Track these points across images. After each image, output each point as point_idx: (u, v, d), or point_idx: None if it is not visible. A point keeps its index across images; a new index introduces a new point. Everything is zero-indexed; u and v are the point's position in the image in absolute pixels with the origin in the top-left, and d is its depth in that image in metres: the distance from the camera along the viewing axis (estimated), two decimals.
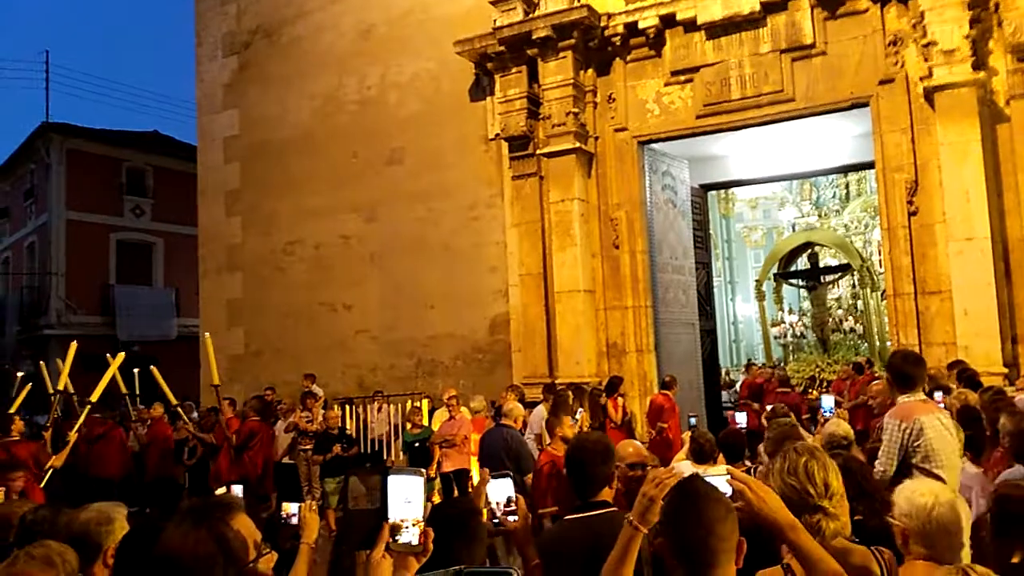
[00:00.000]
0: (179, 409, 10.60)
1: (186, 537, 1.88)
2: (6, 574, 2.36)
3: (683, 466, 5.35)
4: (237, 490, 3.54)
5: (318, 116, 13.70)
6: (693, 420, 8.68)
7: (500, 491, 2.53)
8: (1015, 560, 2.94)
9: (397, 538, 1.89)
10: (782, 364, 15.60)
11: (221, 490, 3.48)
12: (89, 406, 8.34)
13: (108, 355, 9.26)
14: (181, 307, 24.39)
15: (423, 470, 2.03)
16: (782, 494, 2.42)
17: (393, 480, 1.92)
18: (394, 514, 1.91)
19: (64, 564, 2.42)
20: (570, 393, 8.96)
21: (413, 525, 1.90)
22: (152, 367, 10.01)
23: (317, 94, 13.71)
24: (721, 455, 5.26)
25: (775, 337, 17.30)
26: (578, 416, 8.02)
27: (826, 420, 5.43)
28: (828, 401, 5.76)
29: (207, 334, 9.05)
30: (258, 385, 13.09)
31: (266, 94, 14.31)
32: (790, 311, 17.67)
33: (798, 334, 17.31)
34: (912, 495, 2.62)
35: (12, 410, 7.98)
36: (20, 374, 12.20)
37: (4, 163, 27.27)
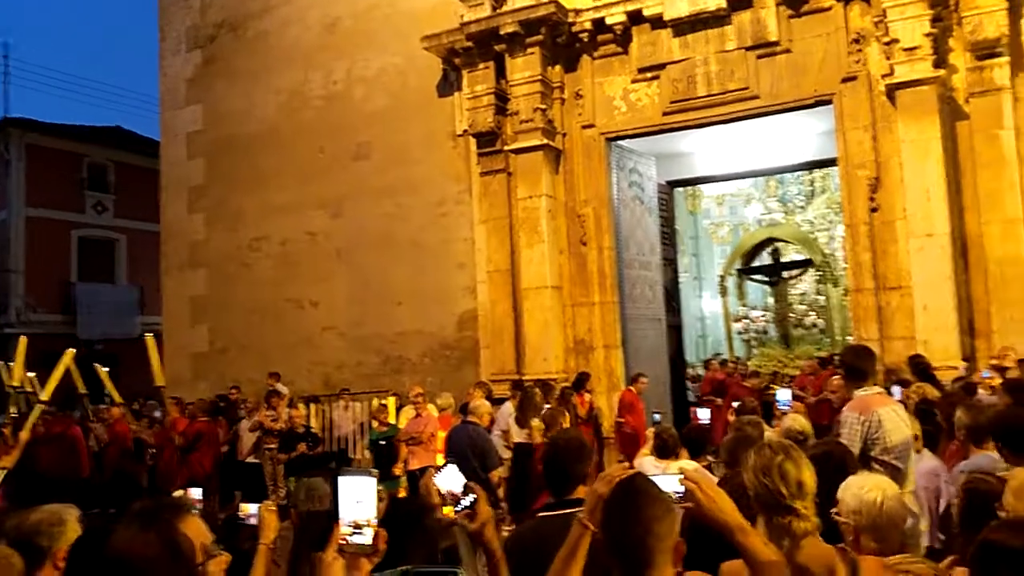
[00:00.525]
0: (124, 407, 10.44)
1: (134, 540, 1.85)
2: None
3: (646, 461, 5.38)
4: (195, 491, 3.48)
5: (284, 111, 13.55)
6: (658, 416, 8.76)
7: (450, 480, 2.50)
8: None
9: (349, 539, 1.86)
10: (743, 360, 15.70)
11: (178, 492, 3.41)
12: (42, 405, 8.17)
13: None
14: (145, 305, 23.98)
15: (374, 470, 2.00)
16: (755, 493, 2.45)
17: (344, 481, 1.89)
18: (345, 515, 1.88)
19: (7, 568, 2.36)
20: (538, 390, 8.96)
21: (365, 526, 1.87)
22: (96, 365, 9.84)
23: (283, 89, 13.56)
24: (684, 451, 5.31)
25: (738, 332, 17.36)
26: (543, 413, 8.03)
27: (783, 414, 5.48)
28: (784, 395, 5.81)
29: (149, 335, 8.94)
30: (223, 383, 12.94)
31: (231, 89, 14.12)
32: (753, 307, 17.77)
33: (760, 329, 17.35)
34: (859, 491, 2.63)
35: None
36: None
37: None
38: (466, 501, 2.33)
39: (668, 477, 2.13)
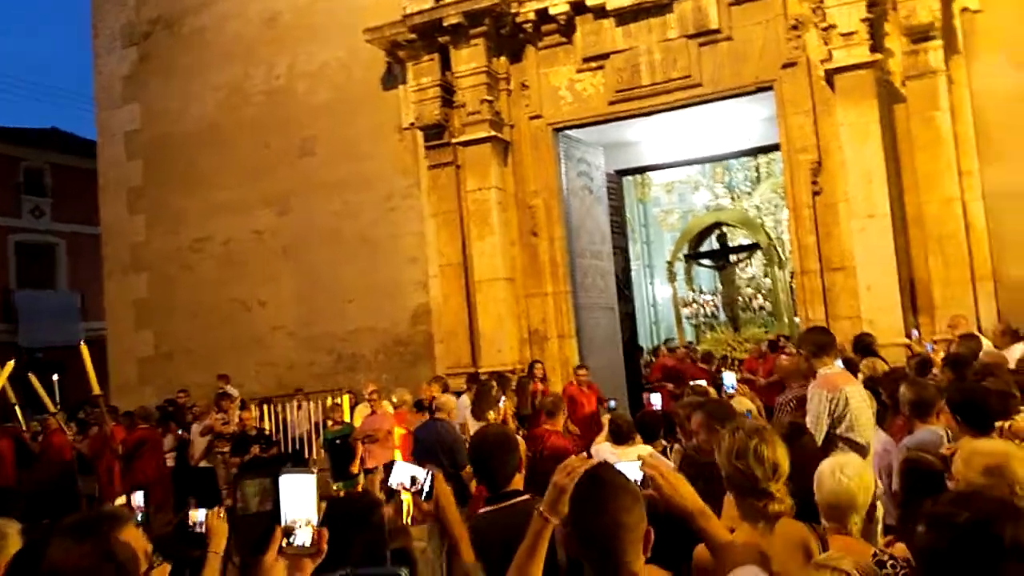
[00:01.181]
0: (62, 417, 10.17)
1: (69, 552, 1.81)
2: None
3: (603, 448, 5.41)
4: (138, 497, 3.38)
5: (224, 108, 13.25)
6: (613, 403, 8.79)
7: (402, 473, 2.46)
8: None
9: (290, 540, 1.82)
10: (693, 345, 15.80)
11: (120, 500, 3.31)
12: None
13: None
14: (87, 311, 23.35)
15: (314, 469, 1.95)
16: (728, 476, 2.44)
17: (285, 480, 1.84)
18: (286, 515, 1.83)
19: None
20: (494, 383, 8.93)
21: (306, 526, 1.82)
22: (30, 374, 9.55)
23: (222, 85, 13.25)
24: (639, 436, 5.34)
25: (686, 317, 17.45)
26: (501, 405, 8.01)
27: (730, 397, 5.54)
28: (730, 378, 5.86)
29: (83, 343, 8.65)
30: (171, 388, 12.64)
31: (168, 86, 13.76)
32: (701, 291, 17.92)
33: (709, 314, 17.49)
34: (821, 472, 2.66)
35: None
36: None
37: None
38: (423, 481, 2.30)
39: (628, 464, 2.14)
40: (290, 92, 12.70)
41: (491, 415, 8.78)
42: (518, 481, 2.90)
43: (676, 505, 2.08)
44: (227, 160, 13.10)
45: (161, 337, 13.64)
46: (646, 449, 4.96)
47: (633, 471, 2.12)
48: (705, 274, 18.33)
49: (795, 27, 9.59)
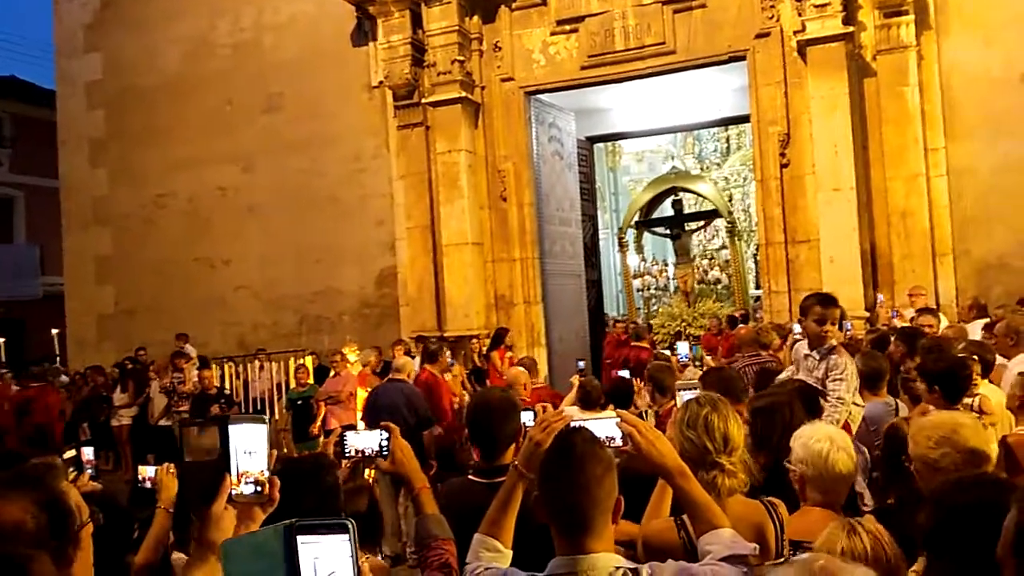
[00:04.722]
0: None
1: (5, 504, 1.77)
2: None
3: (571, 411, 5.38)
4: (87, 452, 3.33)
5: (188, 60, 12.91)
6: (581, 364, 8.79)
7: (370, 440, 2.42)
8: (890, 501, 3.06)
9: (240, 489, 1.79)
10: (644, 317, 14.98)
11: (69, 453, 3.25)
12: None
13: None
14: (46, 265, 22.83)
15: (265, 417, 1.92)
16: (681, 448, 2.38)
17: (234, 429, 1.80)
18: (236, 465, 1.80)
19: None
20: (443, 345, 8.89)
21: (258, 475, 1.80)
22: None
23: (186, 37, 12.89)
24: (611, 405, 5.29)
25: (637, 290, 16.55)
26: (452, 369, 8.01)
27: (683, 367, 5.50)
28: (683, 348, 5.79)
29: None
30: (130, 345, 12.48)
31: (131, 36, 13.35)
32: (654, 261, 17.18)
33: (661, 286, 16.69)
34: (808, 441, 2.58)
35: None
36: None
37: None
38: (380, 439, 2.27)
39: (605, 421, 2.08)
40: (256, 45, 12.40)
41: (447, 376, 8.81)
42: (512, 452, 2.76)
43: (654, 463, 2.04)
44: (191, 114, 12.79)
45: (122, 294, 13.41)
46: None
47: (610, 428, 2.06)
48: (660, 245, 17.71)
49: None
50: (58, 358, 14.63)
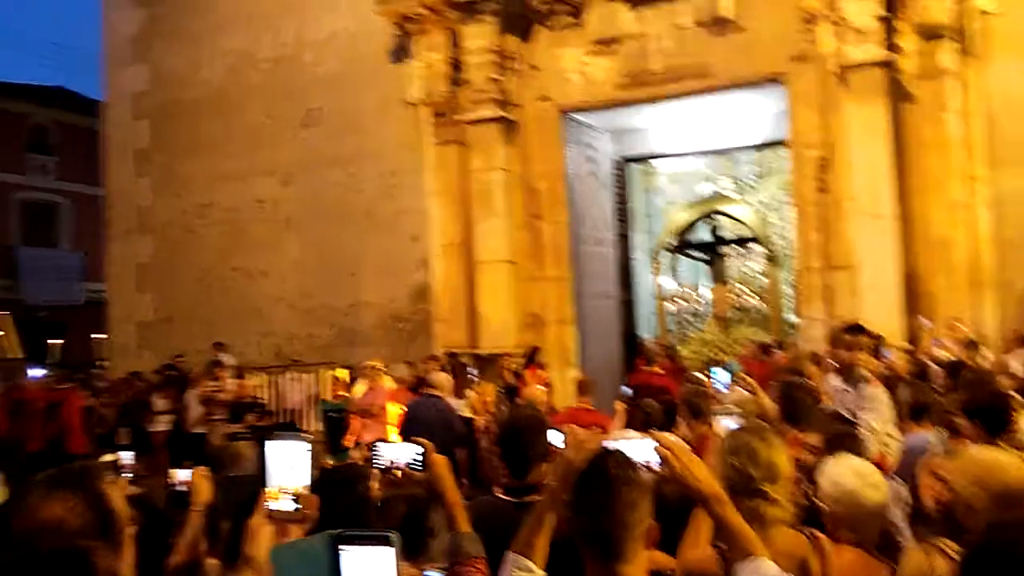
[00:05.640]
0: None
1: (54, 503, 1.82)
2: None
3: (629, 434, 5.24)
4: (126, 457, 3.41)
5: (232, 74, 13.18)
6: (627, 390, 8.73)
7: (403, 453, 2.45)
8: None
9: (278, 505, 1.84)
10: (676, 341, 14.10)
11: (108, 457, 3.34)
12: None
13: None
14: (90, 271, 23.38)
15: (307, 435, 1.96)
16: (723, 475, 2.32)
17: (272, 446, 1.85)
18: (275, 480, 1.84)
19: None
20: (471, 361, 8.92)
21: (296, 492, 1.84)
22: None
23: (230, 50, 13.16)
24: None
25: (670, 313, 15.89)
26: (476, 384, 8.03)
27: (720, 393, 5.37)
28: (723, 375, 5.62)
29: (7, 313, 8.98)
30: (169, 352, 12.68)
31: (177, 49, 13.67)
32: (688, 285, 16.28)
33: (695, 311, 15.95)
34: (835, 476, 2.51)
35: None
36: None
37: None
38: (414, 452, 2.29)
39: (642, 444, 2.06)
40: (297, 61, 12.63)
41: (471, 394, 8.84)
42: (544, 470, 2.74)
43: (690, 488, 1.97)
44: (233, 126, 13.05)
45: (162, 302, 13.66)
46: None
47: (646, 451, 2.03)
48: (694, 268, 17.38)
49: (808, 21, 9.50)
50: (102, 363, 14.97)
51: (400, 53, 11.75)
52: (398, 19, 11.17)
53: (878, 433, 4.02)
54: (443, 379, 7.63)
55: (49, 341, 15.70)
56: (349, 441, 9.21)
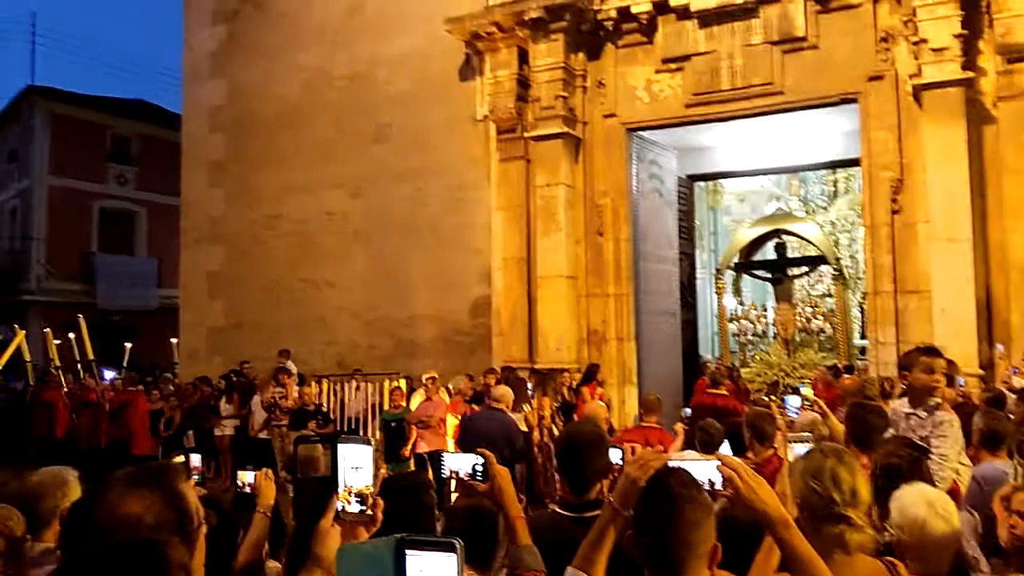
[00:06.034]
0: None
1: (132, 500, 1.86)
2: None
3: (686, 456, 5.17)
4: (195, 459, 3.50)
5: (306, 89, 13.54)
6: (688, 411, 8.63)
7: (463, 463, 2.47)
8: None
9: (347, 507, 1.87)
10: (736, 367, 13.58)
11: (178, 459, 3.43)
12: None
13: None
14: (163, 278, 24.18)
15: (371, 438, 2.00)
16: (803, 498, 2.27)
17: (343, 449, 1.89)
18: (344, 483, 1.88)
19: (2, 528, 2.38)
20: (528, 376, 8.92)
21: (363, 494, 1.88)
22: (18, 329, 10.70)
23: (305, 67, 13.54)
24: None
25: (733, 334, 15.66)
26: (533, 399, 8.02)
27: (794, 422, 5.26)
28: (794, 400, 5.49)
29: (79, 316, 9.34)
30: (237, 358, 13.02)
31: (253, 65, 14.13)
32: (752, 306, 16.18)
33: (758, 332, 15.66)
34: (905, 506, 2.45)
35: None
36: None
37: None
38: (475, 463, 2.30)
39: (706, 464, 2.03)
40: (370, 78, 12.91)
41: (527, 408, 8.84)
42: (603, 487, 2.74)
43: (755, 510, 1.92)
44: (305, 141, 13.39)
45: (232, 308, 14.05)
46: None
47: (710, 471, 1.99)
48: (759, 288, 16.86)
49: (884, 39, 9.32)
50: (174, 366, 15.50)
51: (468, 71, 11.92)
52: (468, 38, 11.34)
53: (951, 461, 3.88)
54: (505, 392, 7.62)
55: (125, 344, 16.22)
56: (407, 451, 9.31)
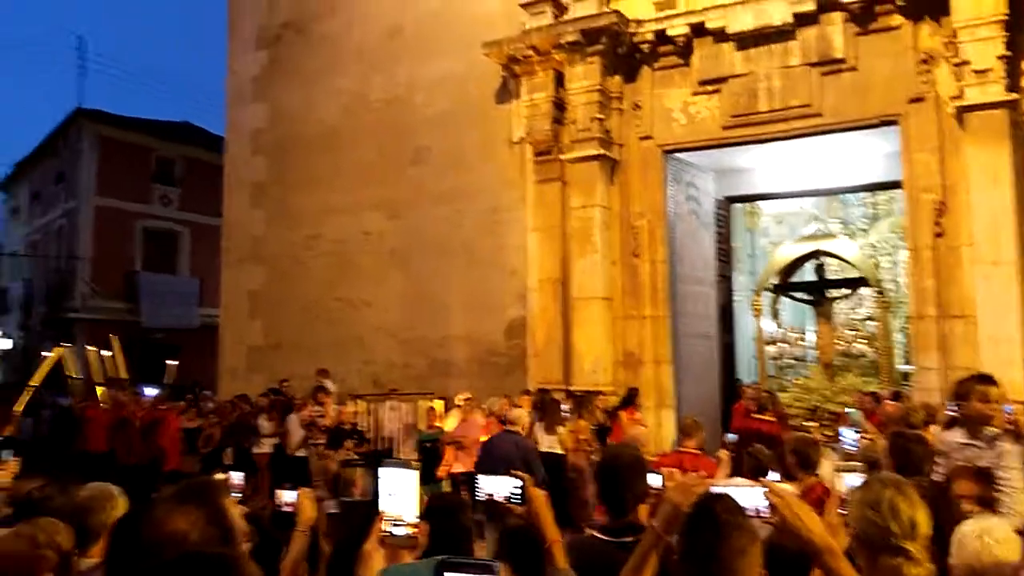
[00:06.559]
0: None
1: (178, 516, 1.89)
2: None
3: (732, 482, 5.07)
4: (237, 477, 3.54)
5: (346, 113, 13.76)
6: (732, 437, 8.53)
7: (502, 486, 2.47)
8: None
9: (391, 531, 1.89)
10: (773, 391, 13.73)
11: (219, 476, 3.47)
12: (31, 388, 8.85)
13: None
14: (205, 297, 24.61)
15: (415, 463, 2.02)
16: (861, 529, 2.23)
17: (385, 473, 1.91)
18: (387, 507, 1.90)
19: (51, 543, 2.42)
20: (563, 398, 8.88)
21: (407, 519, 1.89)
22: (61, 347, 10.91)
23: (344, 91, 13.77)
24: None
25: (771, 357, 15.31)
26: (568, 423, 7.97)
27: (848, 456, 5.15)
28: (849, 434, 5.35)
29: (113, 336, 9.55)
30: (276, 377, 13.16)
31: (295, 89, 14.41)
32: (791, 328, 15.83)
33: (798, 356, 15.31)
34: (964, 537, 2.41)
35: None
36: (45, 355, 12.61)
37: (37, 147, 27.72)
38: (512, 486, 2.30)
39: (752, 491, 2.03)
40: (408, 101, 13.08)
41: (562, 430, 8.78)
42: (642, 511, 2.74)
43: (801, 538, 1.91)
44: (344, 163, 13.60)
45: (271, 328, 14.24)
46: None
47: (755, 499, 1.99)
48: (798, 311, 16.74)
49: (925, 61, 9.21)
50: (214, 385, 15.75)
51: (505, 94, 12.02)
52: (505, 60, 11.44)
53: (1021, 492, 3.78)
54: (520, 415, 7.57)
55: (167, 362, 16.53)
56: (442, 472, 9.31)
